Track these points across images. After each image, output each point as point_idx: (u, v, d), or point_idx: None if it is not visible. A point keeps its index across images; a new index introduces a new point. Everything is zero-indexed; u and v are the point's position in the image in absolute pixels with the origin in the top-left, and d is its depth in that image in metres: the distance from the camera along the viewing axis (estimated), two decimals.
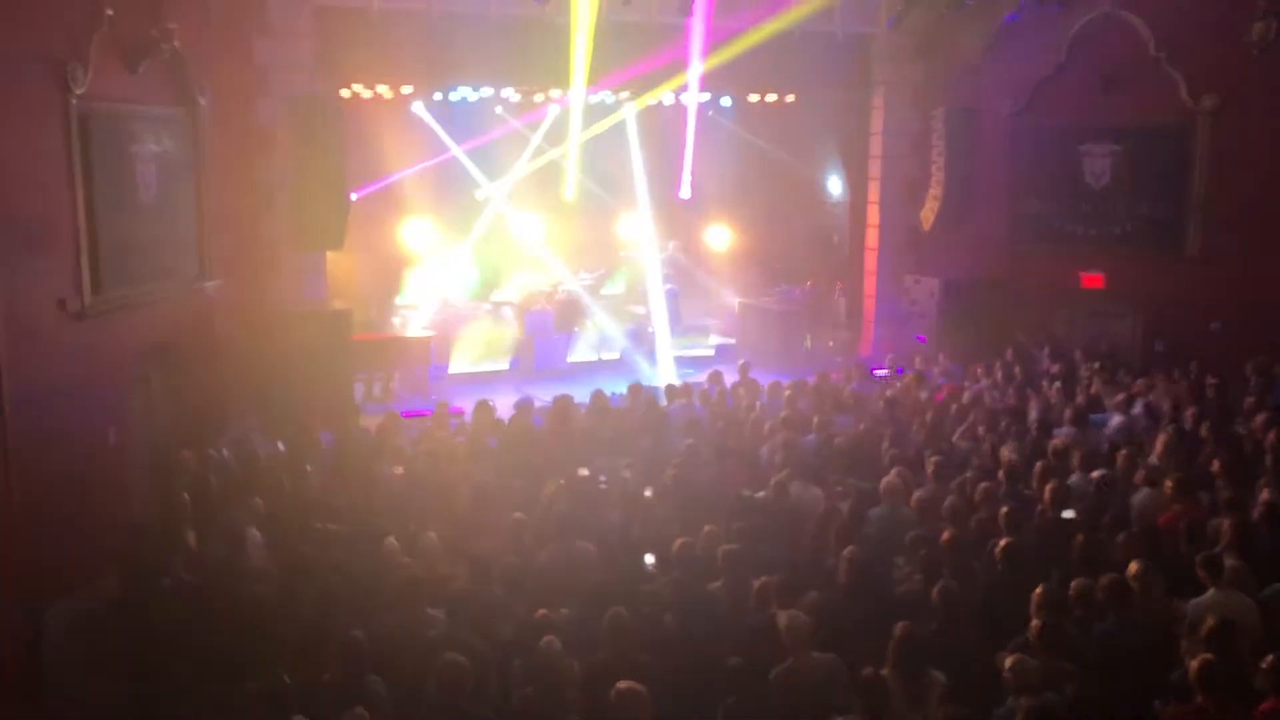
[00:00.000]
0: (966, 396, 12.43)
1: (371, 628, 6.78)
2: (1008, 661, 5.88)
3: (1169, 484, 8.66)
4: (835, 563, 7.54)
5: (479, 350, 18.81)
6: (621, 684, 5.76)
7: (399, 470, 10.15)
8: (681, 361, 18.48)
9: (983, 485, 8.81)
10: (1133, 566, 6.94)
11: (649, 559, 7.97)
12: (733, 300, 20.57)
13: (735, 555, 7.45)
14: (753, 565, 7.53)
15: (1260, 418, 10.86)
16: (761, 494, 9.04)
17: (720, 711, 6.08)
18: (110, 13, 10.34)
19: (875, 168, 18.30)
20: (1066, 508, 8.33)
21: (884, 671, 5.99)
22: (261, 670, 6.47)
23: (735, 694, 6.17)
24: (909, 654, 6.06)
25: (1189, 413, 11.00)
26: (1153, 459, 9.75)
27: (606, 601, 7.06)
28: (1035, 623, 6.32)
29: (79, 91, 9.93)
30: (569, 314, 19.34)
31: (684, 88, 17.17)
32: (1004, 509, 8.10)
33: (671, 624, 7.07)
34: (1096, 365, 13.40)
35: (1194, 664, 5.79)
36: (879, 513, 8.68)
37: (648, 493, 9.13)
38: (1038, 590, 6.69)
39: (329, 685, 6.23)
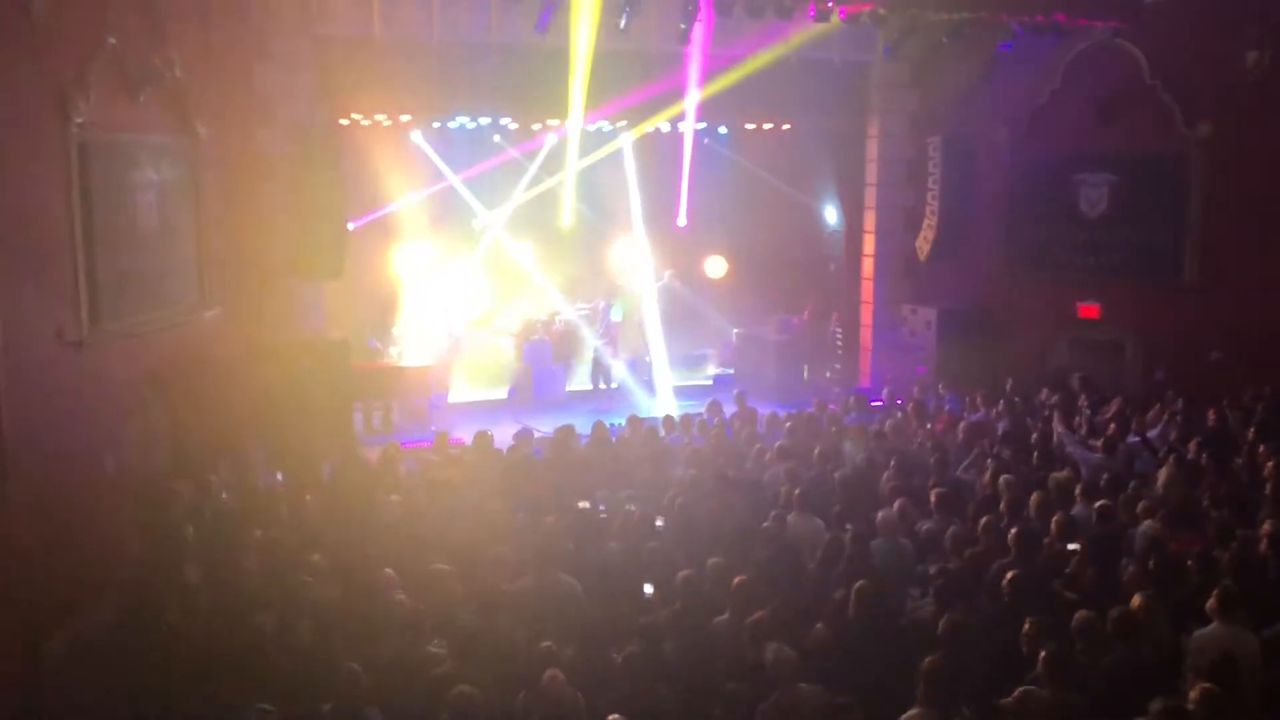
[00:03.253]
0: (965, 426, 12.41)
1: (370, 659, 6.75)
2: (1016, 693, 5.83)
3: (1158, 518, 8.62)
4: (841, 595, 7.51)
5: (477, 380, 18.77)
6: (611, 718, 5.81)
7: (397, 500, 10.10)
8: (680, 391, 18.46)
9: (985, 519, 8.77)
10: (1136, 598, 6.90)
11: (648, 589, 7.93)
12: (730, 330, 20.55)
13: (745, 587, 7.40)
14: (758, 598, 7.50)
15: (1261, 448, 10.85)
16: (765, 525, 8.98)
17: None
18: (112, 41, 10.37)
19: (871, 196, 18.33)
20: (1072, 539, 8.29)
21: (914, 711, 5.94)
22: (259, 699, 6.42)
23: None
24: (939, 690, 5.98)
25: (1192, 443, 10.96)
26: (1157, 490, 9.71)
27: (604, 634, 7.05)
28: (1043, 653, 6.27)
29: (79, 119, 9.92)
30: (567, 343, 19.31)
31: (681, 116, 17.22)
32: (1012, 539, 8.08)
33: (671, 654, 7.03)
34: (1110, 410, 13.18)
35: (1193, 694, 5.73)
36: (877, 545, 8.63)
37: (659, 522, 9.08)
38: (1029, 623, 6.69)
39: (328, 716, 6.19)
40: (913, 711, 5.96)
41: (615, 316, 19.93)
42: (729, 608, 7.35)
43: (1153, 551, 7.97)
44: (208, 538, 9.11)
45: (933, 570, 7.96)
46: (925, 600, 7.68)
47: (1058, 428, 11.89)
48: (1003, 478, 9.93)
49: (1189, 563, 7.73)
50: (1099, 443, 11.31)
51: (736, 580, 7.46)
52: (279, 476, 11.00)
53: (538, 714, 6.18)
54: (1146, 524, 8.81)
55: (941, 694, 5.96)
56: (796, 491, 9.61)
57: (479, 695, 6.03)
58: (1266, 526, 8.24)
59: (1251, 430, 11.61)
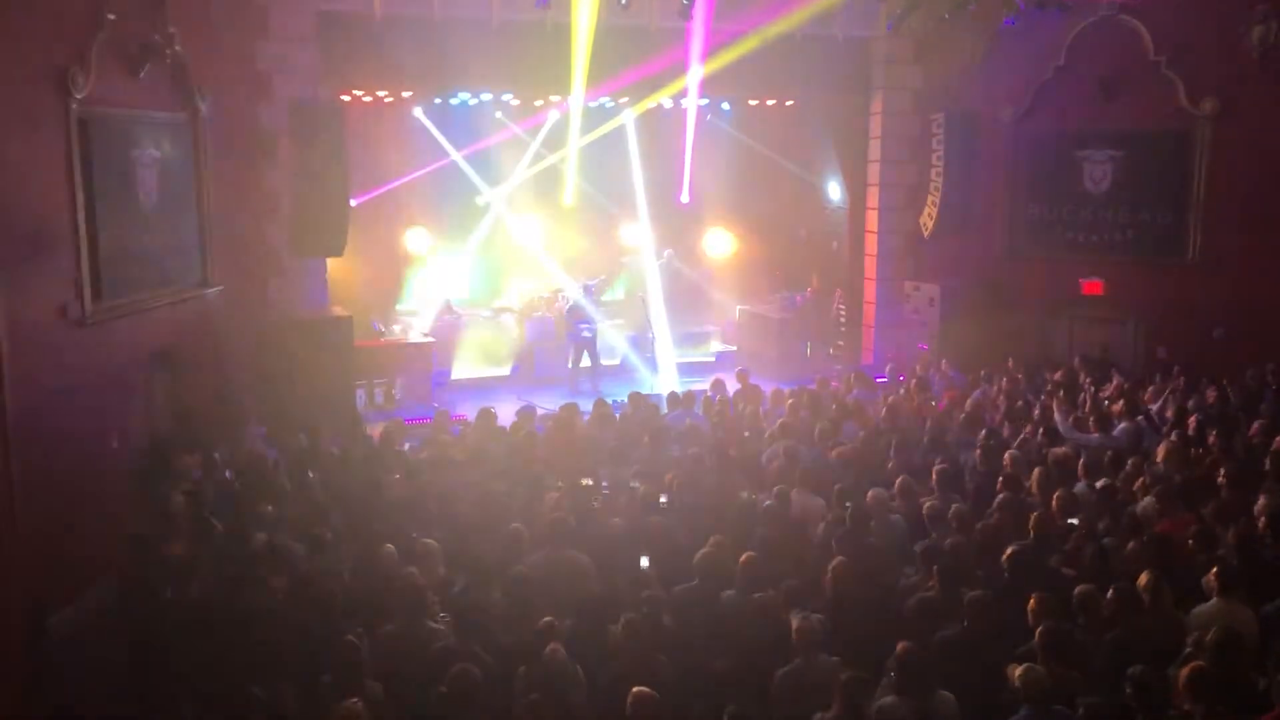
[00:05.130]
0: (969, 403, 12.42)
1: (372, 636, 6.78)
2: (1017, 671, 5.85)
3: (1154, 495, 8.65)
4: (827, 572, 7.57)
5: (480, 357, 18.80)
6: (636, 689, 5.84)
7: (400, 477, 10.13)
8: (683, 368, 18.45)
9: (1003, 495, 8.78)
10: (1143, 577, 6.90)
11: (644, 562, 7.95)
12: (733, 307, 20.54)
13: (753, 563, 7.44)
14: (764, 574, 7.54)
15: (1256, 424, 10.87)
16: (767, 503, 8.99)
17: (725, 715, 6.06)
18: (112, 17, 10.33)
19: (874, 173, 18.27)
20: (1073, 516, 8.32)
21: (889, 699, 5.96)
22: (262, 676, 6.46)
23: (735, 698, 6.18)
24: (911, 676, 5.99)
25: (1191, 420, 10.96)
26: (1157, 467, 9.72)
27: (605, 608, 7.08)
28: (1040, 630, 6.29)
29: (79, 96, 9.91)
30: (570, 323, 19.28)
31: (684, 92, 17.16)
32: (1033, 522, 8.10)
33: (673, 628, 7.06)
34: (1109, 389, 13.16)
35: (1184, 671, 5.73)
36: (875, 524, 8.64)
37: (663, 499, 9.11)
38: (1034, 599, 6.70)
39: (327, 689, 6.23)
40: (888, 699, 5.97)
41: (605, 296, 19.92)
42: (736, 584, 7.38)
43: (1144, 529, 8.00)
44: (211, 513, 9.14)
45: (918, 547, 7.97)
46: (917, 577, 7.69)
47: (1055, 411, 11.94)
48: (1008, 453, 9.95)
49: (1189, 541, 7.73)
50: (1091, 420, 11.32)
51: (745, 557, 7.49)
52: (273, 454, 11.00)
53: (538, 688, 6.21)
54: (1146, 501, 8.85)
55: (916, 680, 5.96)
56: (791, 469, 9.62)
57: (479, 673, 6.06)
58: (1262, 502, 8.25)
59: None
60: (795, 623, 6.52)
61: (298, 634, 7.08)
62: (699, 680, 6.74)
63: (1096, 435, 10.93)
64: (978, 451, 10.39)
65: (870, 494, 8.87)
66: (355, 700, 5.83)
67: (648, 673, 6.21)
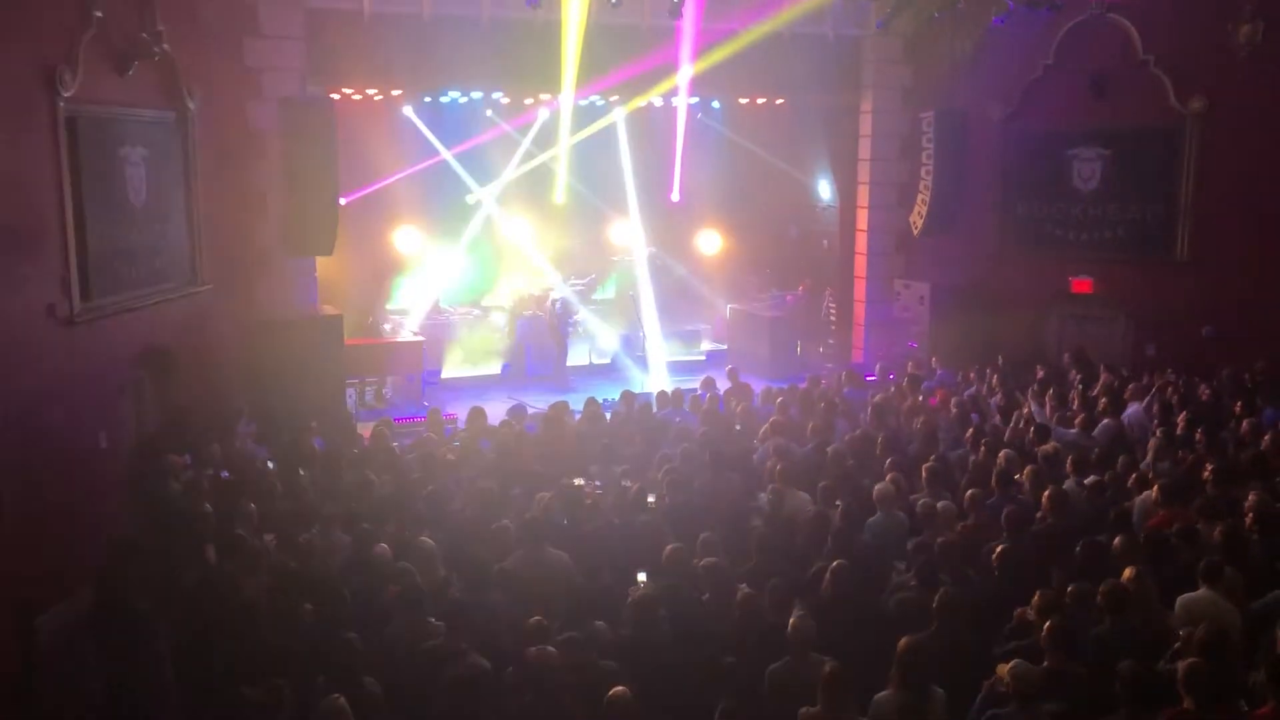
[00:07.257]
0: (958, 401, 12.44)
1: (369, 635, 6.76)
2: (1008, 666, 5.85)
3: (1155, 489, 8.69)
4: (819, 569, 7.56)
5: (471, 356, 18.78)
6: (614, 691, 5.85)
7: (391, 477, 10.11)
8: (674, 367, 18.47)
9: (971, 491, 8.80)
10: (1127, 571, 6.93)
11: (641, 577, 7.91)
12: (724, 306, 20.55)
13: (718, 567, 7.46)
14: (746, 574, 7.53)
15: (1246, 423, 10.91)
16: (758, 500, 8.99)
17: (717, 712, 6.06)
18: (99, 15, 10.30)
19: (865, 171, 18.32)
20: (1064, 513, 8.33)
21: (886, 692, 5.97)
22: (255, 677, 6.44)
23: (729, 694, 6.18)
24: (913, 669, 5.98)
25: (1180, 417, 11.00)
26: (1145, 464, 9.76)
27: (590, 607, 7.07)
28: (1048, 624, 6.30)
29: (67, 94, 9.87)
30: (561, 319, 19.28)
31: (674, 91, 17.16)
32: (1005, 512, 8.14)
33: (664, 625, 7.07)
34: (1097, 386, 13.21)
35: (1181, 667, 5.76)
36: (875, 520, 8.66)
37: (650, 499, 9.10)
38: (1037, 595, 6.71)
39: (324, 688, 6.21)
40: (885, 692, 5.98)
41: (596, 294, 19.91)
42: (706, 587, 7.39)
43: (1137, 525, 8.03)
44: (201, 512, 9.10)
45: (911, 545, 7.98)
46: (908, 575, 7.70)
47: (1033, 406, 11.97)
48: (1003, 452, 9.96)
49: (1171, 540, 7.76)
50: (1078, 418, 11.36)
51: (704, 561, 7.48)
52: (263, 452, 10.98)
53: (528, 688, 6.20)
54: (1145, 494, 8.87)
55: (915, 675, 5.96)
56: (780, 467, 9.62)
57: (475, 672, 6.06)
58: (1251, 499, 8.28)
59: (1238, 405, 11.68)
60: (791, 621, 6.52)
61: (284, 632, 7.06)
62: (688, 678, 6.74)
63: (1078, 431, 10.99)
64: (981, 450, 10.40)
65: (877, 489, 8.88)
66: (337, 695, 5.82)
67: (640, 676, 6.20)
